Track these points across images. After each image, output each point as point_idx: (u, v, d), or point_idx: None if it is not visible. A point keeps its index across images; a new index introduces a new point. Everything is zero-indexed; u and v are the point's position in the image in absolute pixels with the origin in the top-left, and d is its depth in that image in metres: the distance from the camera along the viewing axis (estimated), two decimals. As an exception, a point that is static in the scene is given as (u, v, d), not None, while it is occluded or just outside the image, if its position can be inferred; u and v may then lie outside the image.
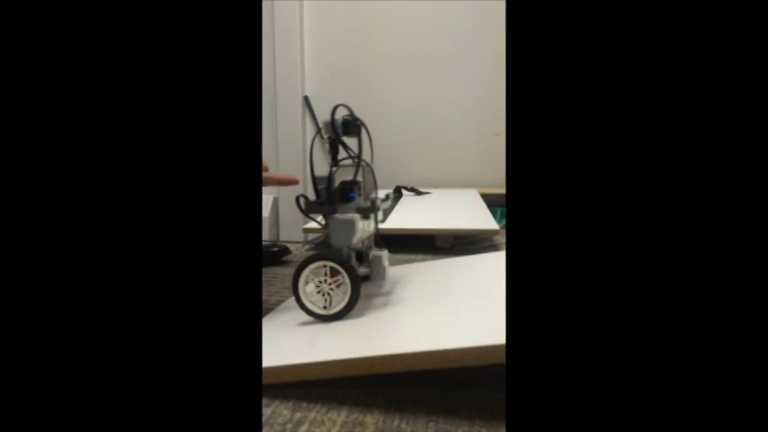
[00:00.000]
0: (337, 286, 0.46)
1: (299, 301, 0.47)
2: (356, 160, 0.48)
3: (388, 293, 0.53)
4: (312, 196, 0.50)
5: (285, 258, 0.85)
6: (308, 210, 0.49)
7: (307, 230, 0.99)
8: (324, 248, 0.94)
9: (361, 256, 0.54)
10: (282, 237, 1.75)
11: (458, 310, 0.43)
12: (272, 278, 0.74)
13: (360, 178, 0.49)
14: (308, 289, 0.47)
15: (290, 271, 0.78)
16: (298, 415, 0.35)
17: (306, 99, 1.94)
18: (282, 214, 1.87)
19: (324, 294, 0.47)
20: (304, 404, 0.36)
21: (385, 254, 0.55)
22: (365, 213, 0.49)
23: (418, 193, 1.45)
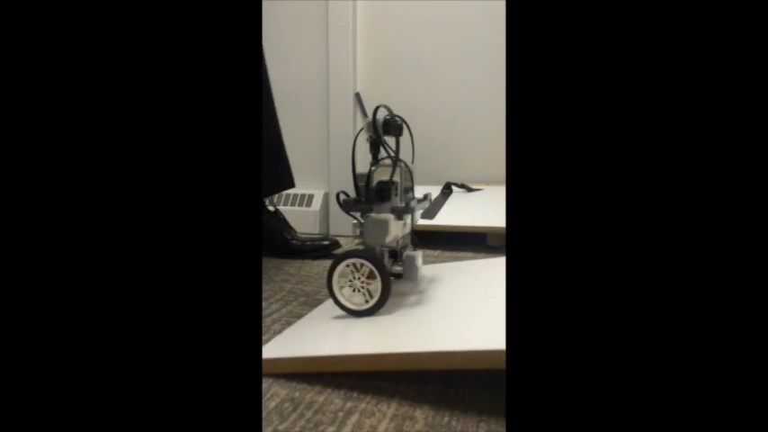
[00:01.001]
0: (369, 284, 0.47)
1: (332, 295, 0.48)
2: (392, 160, 0.49)
3: (421, 292, 0.53)
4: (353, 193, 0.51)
5: (336, 252, 0.86)
6: (345, 208, 0.50)
7: (356, 225, 1.00)
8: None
9: (395, 255, 0.54)
10: (333, 231, 1.79)
11: (483, 312, 0.42)
12: (323, 271, 0.76)
13: (397, 178, 0.50)
14: (340, 285, 0.48)
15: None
16: (349, 404, 0.35)
17: (357, 95, 1.97)
18: (333, 208, 1.91)
19: (355, 291, 0.48)
20: (354, 394, 0.37)
21: (419, 254, 0.55)
22: (399, 214, 0.49)
23: (469, 189, 1.42)
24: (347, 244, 0.95)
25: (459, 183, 1.46)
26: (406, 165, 0.52)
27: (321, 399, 0.36)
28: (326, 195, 1.91)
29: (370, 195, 0.49)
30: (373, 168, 0.50)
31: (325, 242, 0.87)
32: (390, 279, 0.47)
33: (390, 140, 0.51)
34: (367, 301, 0.47)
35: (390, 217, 0.48)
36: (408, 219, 0.54)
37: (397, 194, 0.50)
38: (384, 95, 1.97)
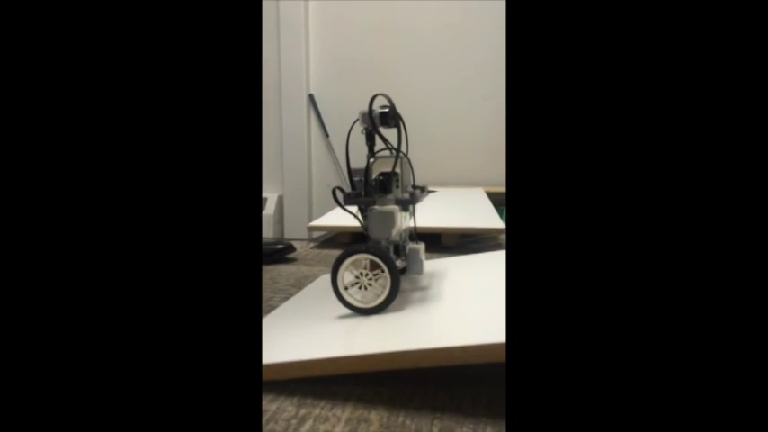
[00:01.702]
0: (376, 279, 0.46)
1: (337, 293, 0.46)
2: (394, 151, 0.47)
3: (425, 288, 0.52)
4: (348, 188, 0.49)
5: (290, 256, 0.85)
6: (346, 201, 0.48)
7: (312, 228, 0.99)
8: (351, 243, 0.94)
9: (398, 250, 0.53)
10: (287, 235, 1.75)
11: (486, 306, 0.43)
12: (278, 276, 0.74)
13: (398, 169, 0.48)
14: (346, 282, 0.46)
15: (294, 269, 0.78)
16: (302, 411, 0.35)
17: (311, 97, 1.94)
18: (287, 212, 1.87)
19: (362, 288, 0.46)
20: (309, 400, 0.36)
21: (422, 247, 0.54)
22: (405, 205, 0.48)
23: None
24: (302, 248, 0.93)
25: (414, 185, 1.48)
26: (405, 156, 0.50)
27: (274, 407, 0.35)
28: (280, 198, 1.87)
29: (372, 188, 0.47)
30: (372, 160, 0.48)
31: (279, 246, 0.85)
32: (399, 273, 0.45)
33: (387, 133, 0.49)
34: (375, 299, 0.45)
35: (396, 208, 0.47)
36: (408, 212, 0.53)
37: (398, 186, 0.49)
38: (338, 98, 1.96)
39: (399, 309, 0.46)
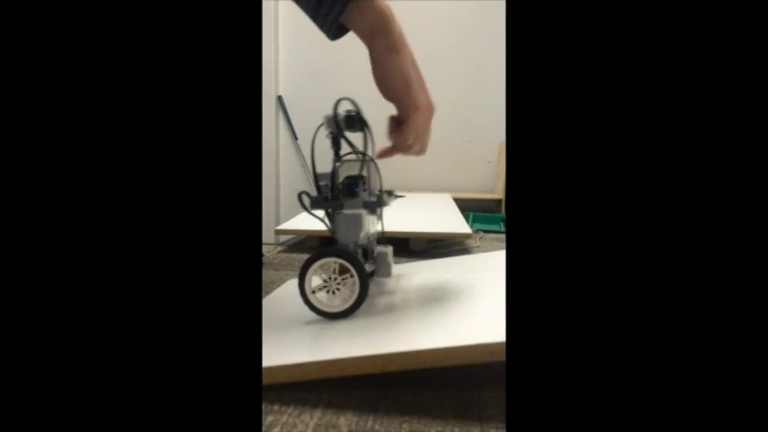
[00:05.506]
0: (344, 283, 0.45)
1: (305, 298, 0.45)
2: (360, 155, 0.47)
3: (392, 292, 0.52)
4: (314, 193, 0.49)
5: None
6: (312, 206, 0.48)
7: (279, 232, 0.97)
8: (318, 247, 0.93)
9: (366, 253, 0.53)
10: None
11: (453, 309, 0.44)
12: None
13: (365, 173, 0.48)
14: (314, 286, 0.46)
15: (263, 273, 0.76)
16: (269, 418, 0.34)
17: (279, 99, 1.92)
18: (254, 215, 1.84)
19: (330, 292, 0.46)
20: (275, 407, 0.35)
21: (390, 250, 0.54)
22: (372, 208, 0.48)
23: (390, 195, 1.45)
24: (269, 252, 0.91)
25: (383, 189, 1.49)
26: (372, 159, 0.50)
27: (239, 415, 0.34)
28: (247, 201, 1.83)
29: (339, 192, 0.47)
30: (338, 164, 0.48)
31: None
32: (368, 277, 0.45)
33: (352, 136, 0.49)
34: (343, 303, 0.45)
35: (363, 212, 0.47)
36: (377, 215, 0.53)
37: (365, 189, 0.49)
38: (308, 100, 1.94)
39: (367, 313, 0.46)
